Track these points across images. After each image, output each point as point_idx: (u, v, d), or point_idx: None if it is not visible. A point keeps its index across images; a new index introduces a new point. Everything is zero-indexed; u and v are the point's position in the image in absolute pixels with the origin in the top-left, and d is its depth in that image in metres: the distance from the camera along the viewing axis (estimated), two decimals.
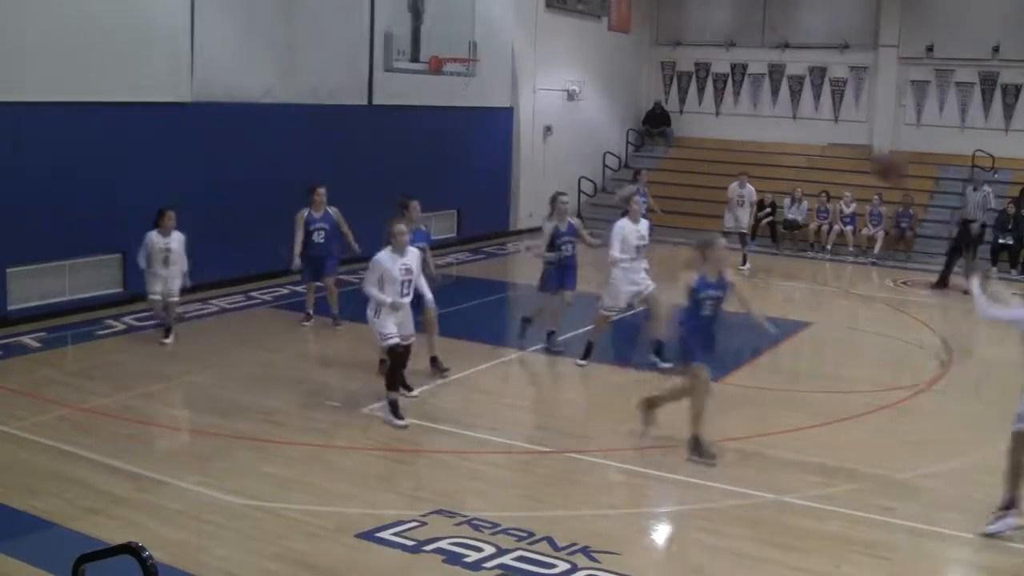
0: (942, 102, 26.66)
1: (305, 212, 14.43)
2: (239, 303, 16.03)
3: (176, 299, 13.73)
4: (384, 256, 10.68)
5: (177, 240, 13.50)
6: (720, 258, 10.27)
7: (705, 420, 10.00)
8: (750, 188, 21.76)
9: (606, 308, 13.36)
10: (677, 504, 9.22)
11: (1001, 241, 22.20)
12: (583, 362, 13.32)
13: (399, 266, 10.69)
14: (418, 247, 12.10)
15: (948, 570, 8.27)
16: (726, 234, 21.62)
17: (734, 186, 21.63)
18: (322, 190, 14.49)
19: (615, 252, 13.02)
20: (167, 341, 13.53)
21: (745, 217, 21.69)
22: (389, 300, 10.52)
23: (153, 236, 13.38)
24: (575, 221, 13.93)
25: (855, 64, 27.57)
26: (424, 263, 12.31)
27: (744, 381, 12.93)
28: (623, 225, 13.17)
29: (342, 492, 8.94)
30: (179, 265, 13.54)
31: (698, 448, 9.92)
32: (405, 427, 10.53)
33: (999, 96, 25.97)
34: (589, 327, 13.62)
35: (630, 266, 13.09)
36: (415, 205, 12.71)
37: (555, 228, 13.62)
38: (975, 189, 19.92)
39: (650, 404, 10.51)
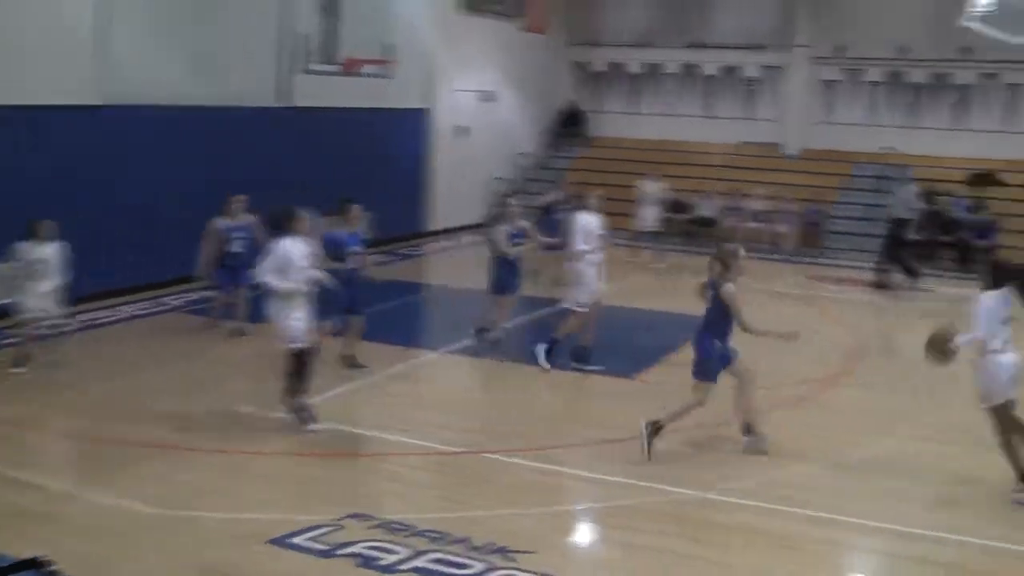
0: (852, 101, 27.16)
1: (220, 221, 14.21)
2: (149, 309, 15.79)
3: (56, 317, 12.69)
4: (287, 243, 10.50)
5: (52, 251, 12.34)
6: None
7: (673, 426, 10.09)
8: (659, 185, 22.06)
9: (580, 306, 13.22)
10: (592, 501, 9.28)
11: (913, 238, 22.69)
12: (548, 365, 13.18)
13: (302, 253, 10.53)
14: (354, 251, 12.13)
15: (857, 558, 8.41)
16: (640, 233, 21.94)
17: (644, 184, 21.91)
18: (242, 197, 14.25)
19: (580, 244, 13.09)
20: (20, 371, 12.29)
21: (656, 215, 21.99)
22: (292, 286, 10.36)
23: (24, 247, 12.24)
24: (525, 224, 14.02)
25: (768, 64, 27.95)
26: (362, 266, 12.40)
27: (658, 378, 13.03)
28: (584, 218, 13.26)
29: (257, 498, 8.86)
30: (54, 279, 12.38)
31: (651, 436, 9.92)
32: (318, 431, 10.46)
33: (906, 95, 26.50)
34: (560, 326, 13.56)
35: (595, 258, 13.16)
36: (356, 208, 12.73)
37: (506, 231, 13.68)
38: (903, 186, 20.22)
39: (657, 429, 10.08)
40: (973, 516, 9.00)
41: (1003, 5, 21.70)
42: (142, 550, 7.76)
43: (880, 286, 19.72)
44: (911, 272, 19.87)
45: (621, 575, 7.75)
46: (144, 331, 14.74)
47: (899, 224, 20.09)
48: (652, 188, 21.89)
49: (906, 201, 20.13)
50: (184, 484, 9.05)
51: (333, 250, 12.12)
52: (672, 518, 8.70)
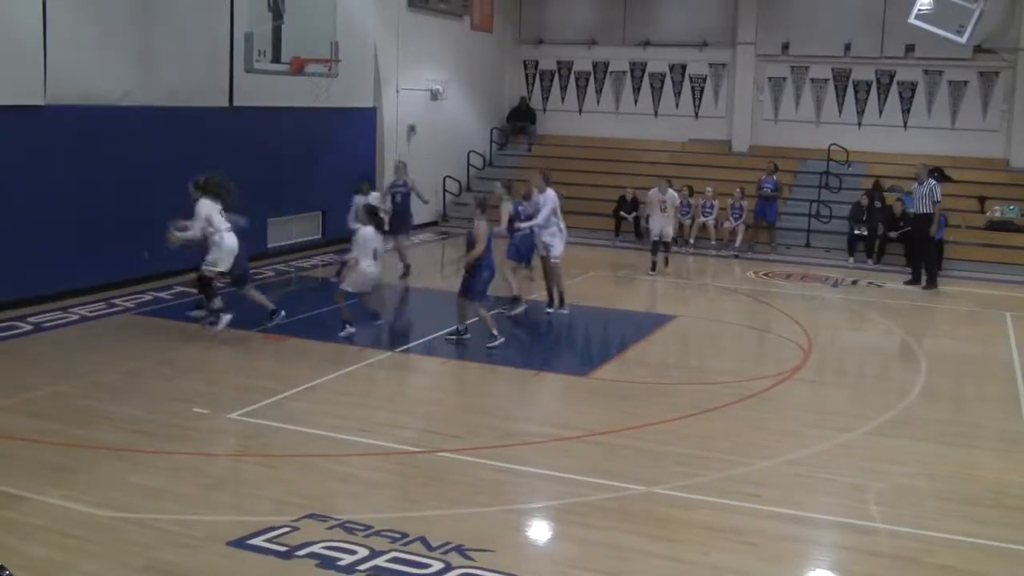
0: (798, 98, 27.43)
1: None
2: (101, 311, 15.58)
3: None
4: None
5: None
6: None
7: None
8: (672, 193, 20.96)
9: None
10: (548, 499, 9.27)
11: (856, 232, 22.98)
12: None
13: None
14: None
15: (813, 552, 8.47)
16: (652, 241, 21.09)
17: (655, 192, 20.88)
18: None
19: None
20: None
21: (668, 225, 20.89)
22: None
23: None
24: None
25: (714, 61, 28.16)
26: None
27: (612, 375, 13.11)
28: None
29: (211, 500, 8.80)
30: None
31: None
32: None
33: (851, 92, 26.84)
34: None
35: None
36: None
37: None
38: (920, 183, 20.17)
39: None
40: (930, 510, 9.13)
41: (946, 5, 22.00)
42: (96, 554, 7.66)
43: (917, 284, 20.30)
44: (932, 277, 20.21)
45: (578, 572, 7.76)
46: (97, 333, 14.55)
47: (918, 220, 20.24)
48: (663, 195, 20.76)
49: (927, 195, 19.98)
50: (139, 486, 8.96)
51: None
52: (629, 515, 8.73)
